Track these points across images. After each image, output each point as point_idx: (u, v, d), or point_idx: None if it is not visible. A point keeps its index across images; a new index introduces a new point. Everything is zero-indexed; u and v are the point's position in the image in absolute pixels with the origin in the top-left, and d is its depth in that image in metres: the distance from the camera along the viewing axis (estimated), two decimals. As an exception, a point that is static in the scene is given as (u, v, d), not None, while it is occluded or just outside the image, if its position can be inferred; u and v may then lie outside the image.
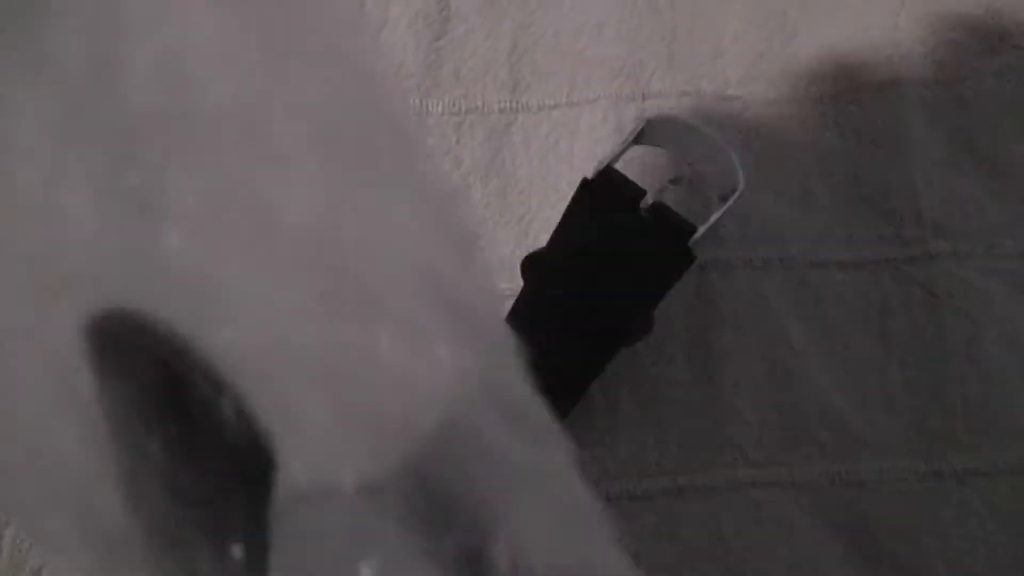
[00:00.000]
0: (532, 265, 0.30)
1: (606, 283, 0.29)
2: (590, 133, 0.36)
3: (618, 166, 0.30)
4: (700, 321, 0.33)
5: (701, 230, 0.29)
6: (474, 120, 0.36)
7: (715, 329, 0.33)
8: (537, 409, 0.18)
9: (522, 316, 0.30)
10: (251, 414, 0.15)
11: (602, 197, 0.29)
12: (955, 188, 0.35)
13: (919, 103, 0.37)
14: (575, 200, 0.30)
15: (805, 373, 0.33)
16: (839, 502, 0.31)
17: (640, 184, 0.29)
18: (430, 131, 0.36)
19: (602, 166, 0.29)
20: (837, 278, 0.34)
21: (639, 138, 0.30)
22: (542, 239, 0.30)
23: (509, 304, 0.31)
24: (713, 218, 0.29)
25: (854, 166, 0.36)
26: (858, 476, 0.31)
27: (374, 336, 0.15)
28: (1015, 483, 0.31)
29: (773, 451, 0.32)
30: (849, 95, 0.37)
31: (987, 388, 0.33)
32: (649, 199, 0.29)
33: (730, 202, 0.29)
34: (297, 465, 0.16)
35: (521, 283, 0.30)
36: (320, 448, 0.16)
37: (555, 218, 0.30)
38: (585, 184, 0.29)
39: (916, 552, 0.30)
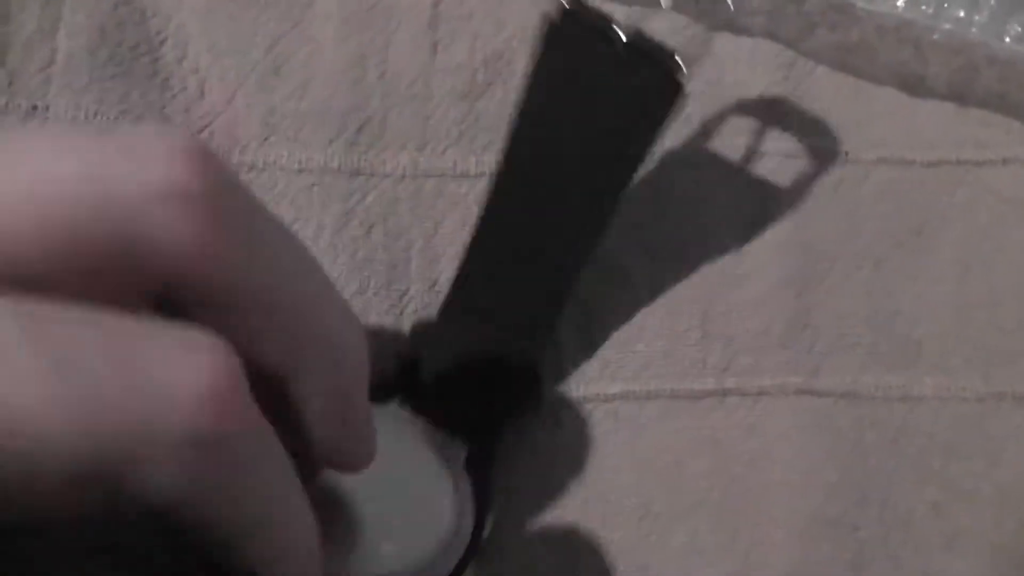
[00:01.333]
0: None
1: (587, 139, 0.25)
2: None
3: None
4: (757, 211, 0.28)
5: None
6: None
7: (768, 218, 0.28)
8: None
9: (503, 189, 0.26)
10: None
11: (568, 39, 0.25)
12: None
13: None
14: (537, 51, 0.25)
15: (868, 277, 0.28)
16: (891, 415, 0.27)
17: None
18: None
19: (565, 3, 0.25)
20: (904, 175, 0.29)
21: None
22: None
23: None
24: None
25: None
26: (916, 390, 0.27)
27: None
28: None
29: (826, 358, 0.27)
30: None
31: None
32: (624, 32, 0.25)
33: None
34: None
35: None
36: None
37: None
38: (548, 28, 0.25)
39: (966, 473, 0.27)
